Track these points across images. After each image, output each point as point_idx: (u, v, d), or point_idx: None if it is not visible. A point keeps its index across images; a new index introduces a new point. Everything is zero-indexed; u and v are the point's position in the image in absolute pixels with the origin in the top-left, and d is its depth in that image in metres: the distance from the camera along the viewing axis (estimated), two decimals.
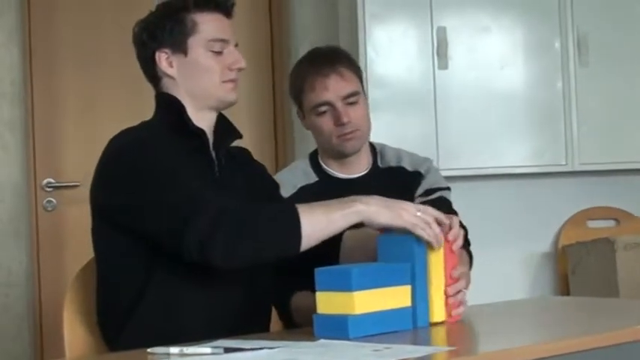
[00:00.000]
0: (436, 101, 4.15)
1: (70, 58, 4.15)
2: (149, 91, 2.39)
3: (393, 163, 2.90)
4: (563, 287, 4.50)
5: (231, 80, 2.32)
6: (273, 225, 2.05)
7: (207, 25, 2.30)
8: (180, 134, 2.27)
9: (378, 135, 3.79)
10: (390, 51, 4.10)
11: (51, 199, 4.08)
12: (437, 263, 2.12)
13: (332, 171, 2.84)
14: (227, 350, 1.85)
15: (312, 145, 2.96)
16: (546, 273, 4.62)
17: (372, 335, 1.96)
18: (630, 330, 2.00)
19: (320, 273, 2.01)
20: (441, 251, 2.13)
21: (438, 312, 2.12)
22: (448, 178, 4.19)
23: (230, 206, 2.05)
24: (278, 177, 2.87)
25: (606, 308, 2.53)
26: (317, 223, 2.05)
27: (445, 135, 4.15)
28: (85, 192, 2.27)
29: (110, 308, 2.23)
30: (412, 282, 2.07)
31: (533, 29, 4.31)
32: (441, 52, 4.15)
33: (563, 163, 4.33)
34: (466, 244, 2.98)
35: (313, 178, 2.83)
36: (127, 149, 2.18)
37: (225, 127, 2.38)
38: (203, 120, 2.32)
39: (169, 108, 2.31)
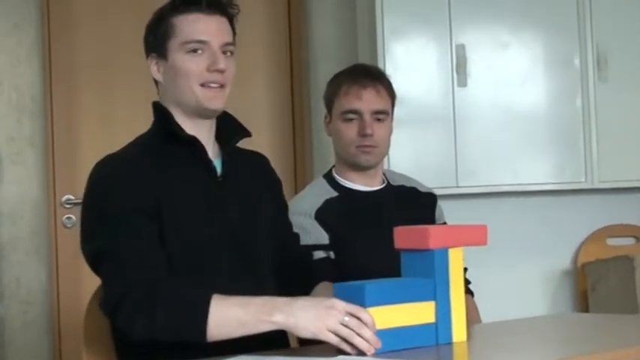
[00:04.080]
0: (455, 118, 4.13)
1: (90, 73, 4.15)
2: None
3: (404, 183, 3.02)
4: (583, 305, 4.47)
5: (213, 83, 2.24)
6: (176, 314, 2.00)
7: (184, 26, 2.24)
8: (173, 143, 2.25)
9: (397, 152, 3.82)
10: (408, 67, 4.09)
11: (70, 215, 4.08)
12: (457, 281, 2.10)
13: (350, 184, 2.90)
14: None
15: (330, 158, 2.99)
16: (566, 290, 4.59)
17: (394, 351, 1.95)
18: None
19: (338, 288, 2.01)
20: (462, 268, 2.12)
21: (459, 331, 2.09)
22: (467, 196, 4.24)
23: (148, 281, 2.04)
24: (300, 197, 2.91)
25: (626, 325, 2.52)
26: (225, 324, 1.98)
27: (464, 152, 4.13)
28: None
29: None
30: (434, 298, 2.06)
31: (553, 45, 4.29)
32: (460, 70, 4.14)
33: (583, 180, 4.30)
34: (466, 284, 3.03)
35: (334, 193, 2.87)
36: (91, 190, 2.19)
37: (230, 125, 2.34)
38: (196, 127, 2.27)
39: (159, 117, 2.31)
